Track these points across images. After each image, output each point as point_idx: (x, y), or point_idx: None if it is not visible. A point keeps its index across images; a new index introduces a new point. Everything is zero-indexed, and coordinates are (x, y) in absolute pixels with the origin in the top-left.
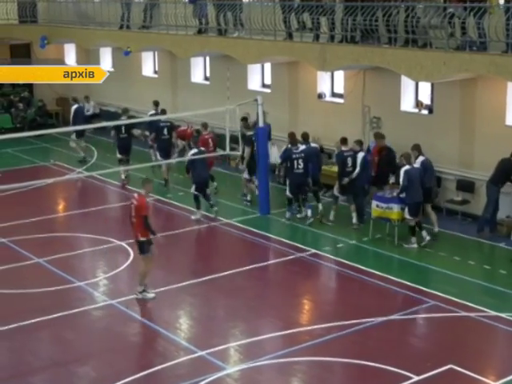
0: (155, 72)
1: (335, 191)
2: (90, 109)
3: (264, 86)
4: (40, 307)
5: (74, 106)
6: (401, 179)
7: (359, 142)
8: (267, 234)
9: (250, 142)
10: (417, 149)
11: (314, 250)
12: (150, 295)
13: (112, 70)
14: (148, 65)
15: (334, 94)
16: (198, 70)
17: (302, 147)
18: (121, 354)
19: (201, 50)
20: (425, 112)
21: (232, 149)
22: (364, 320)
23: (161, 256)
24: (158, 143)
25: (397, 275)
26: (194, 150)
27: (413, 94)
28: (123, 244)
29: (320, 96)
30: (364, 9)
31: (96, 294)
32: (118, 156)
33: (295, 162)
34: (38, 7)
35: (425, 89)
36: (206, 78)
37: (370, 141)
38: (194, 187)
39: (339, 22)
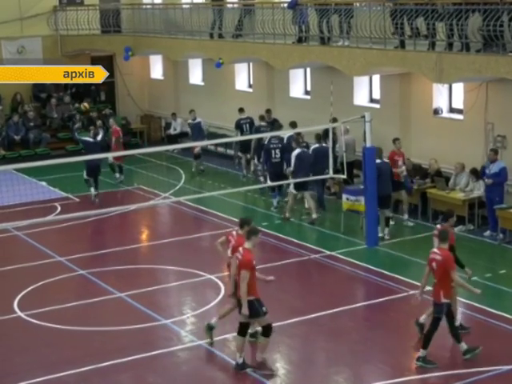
0: (250, 86)
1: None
2: (177, 127)
3: (372, 100)
4: (120, 347)
5: None
6: None
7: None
8: (375, 269)
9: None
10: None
11: (429, 288)
12: None
13: (202, 84)
14: (242, 78)
15: (452, 110)
16: (298, 84)
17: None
18: None
19: (301, 60)
20: None
21: (336, 171)
22: (487, 368)
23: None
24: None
25: None
26: (89, 139)
27: None
28: (213, 278)
29: (436, 112)
30: (487, 12)
31: (183, 333)
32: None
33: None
34: (121, 15)
35: None
36: (307, 92)
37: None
38: (85, 172)
39: (458, 27)
